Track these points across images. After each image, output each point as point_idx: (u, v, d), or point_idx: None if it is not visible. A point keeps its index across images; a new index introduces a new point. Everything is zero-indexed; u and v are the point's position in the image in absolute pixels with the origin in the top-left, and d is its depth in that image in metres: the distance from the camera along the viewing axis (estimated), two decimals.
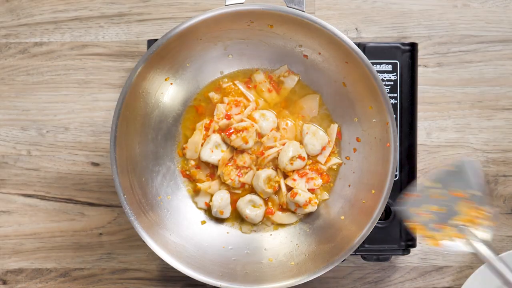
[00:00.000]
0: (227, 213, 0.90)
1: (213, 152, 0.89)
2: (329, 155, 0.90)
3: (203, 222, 0.91)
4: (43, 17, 0.99)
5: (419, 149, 0.95)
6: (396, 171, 0.89)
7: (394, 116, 0.82)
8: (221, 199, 0.89)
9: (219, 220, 0.91)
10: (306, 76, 0.90)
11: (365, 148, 0.87)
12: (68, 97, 0.99)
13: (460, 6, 0.98)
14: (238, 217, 0.91)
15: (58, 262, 0.98)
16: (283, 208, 0.90)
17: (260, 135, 0.89)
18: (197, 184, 0.91)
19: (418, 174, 0.95)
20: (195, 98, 0.91)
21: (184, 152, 0.91)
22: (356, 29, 0.98)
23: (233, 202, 0.91)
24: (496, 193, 0.97)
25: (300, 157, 0.88)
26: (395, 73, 0.90)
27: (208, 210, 0.92)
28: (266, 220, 0.91)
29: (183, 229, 0.89)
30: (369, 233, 0.82)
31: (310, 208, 0.88)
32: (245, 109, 0.90)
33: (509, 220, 0.97)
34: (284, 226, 0.91)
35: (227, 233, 0.91)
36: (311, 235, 0.89)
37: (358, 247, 0.82)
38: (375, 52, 0.89)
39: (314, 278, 0.82)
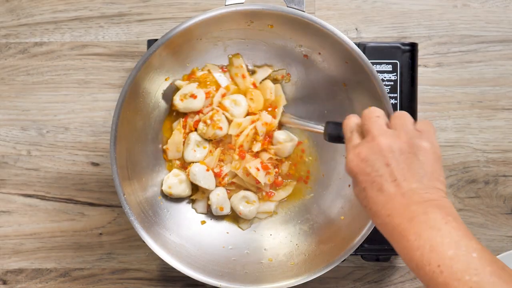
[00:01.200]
0: (227, 208, 0.90)
1: (196, 151, 0.89)
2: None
3: (203, 222, 0.91)
4: (43, 17, 0.99)
5: None
6: None
7: None
8: (218, 195, 0.89)
9: (220, 218, 0.91)
10: (306, 76, 0.90)
11: None
12: (68, 97, 0.99)
13: (460, 6, 0.98)
14: (235, 215, 0.91)
15: (58, 262, 0.98)
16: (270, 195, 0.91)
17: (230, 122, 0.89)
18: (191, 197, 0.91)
19: None
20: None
21: (166, 154, 0.90)
22: (356, 29, 0.98)
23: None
24: (496, 193, 0.97)
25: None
26: (395, 73, 0.90)
27: (209, 212, 0.91)
28: (264, 205, 0.91)
29: (183, 229, 0.89)
30: (369, 233, 0.82)
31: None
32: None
33: (509, 220, 0.97)
34: (283, 202, 0.91)
35: (227, 233, 0.91)
36: (311, 235, 0.89)
37: (358, 247, 0.82)
38: (375, 52, 0.89)
39: (314, 278, 0.82)
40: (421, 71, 0.97)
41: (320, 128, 0.81)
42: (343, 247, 0.83)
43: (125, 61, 0.99)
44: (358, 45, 0.86)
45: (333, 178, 0.91)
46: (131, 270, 0.98)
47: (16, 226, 0.99)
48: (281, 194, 0.92)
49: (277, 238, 0.91)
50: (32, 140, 0.99)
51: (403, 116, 0.70)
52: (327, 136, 0.78)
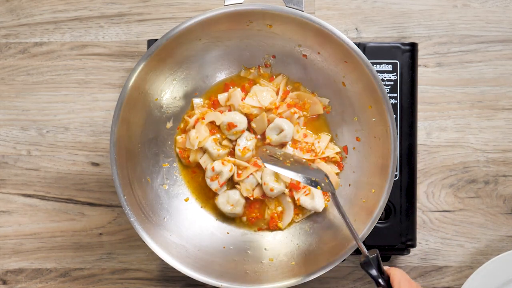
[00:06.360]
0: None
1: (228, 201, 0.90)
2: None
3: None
4: (43, 17, 0.99)
5: (419, 149, 0.95)
6: (396, 171, 0.89)
7: (394, 116, 0.82)
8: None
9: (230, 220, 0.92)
10: (306, 76, 0.90)
11: (365, 147, 0.87)
12: (68, 97, 0.99)
13: (460, 6, 0.98)
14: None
15: (58, 262, 0.98)
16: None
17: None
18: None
19: (418, 174, 0.95)
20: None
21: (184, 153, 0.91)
22: (356, 29, 0.98)
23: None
24: (496, 193, 0.97)
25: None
26: (395, 73, 0.90)
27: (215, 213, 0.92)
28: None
29: (183, 229, 0.89)
30: (369, 232, 0.82)
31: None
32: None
33: (509, 220, 0.97)
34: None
35: (227, 233, 0.91)
36: (311, 235, 0.89)
37: (358, 247, 0.82)
38: (375, 52, 0.89)
39: (314, 278, 0.82)
40: (421, 71, 0.97)
41: (364, 250, 0.80)
42: (343, 247, 0.83)
43: (125, 61, 0.99)
44: (358, 45, 0.86)
45: None
46: (131, 270, 0.98)
47: (16, 226, 0.99)
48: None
49: (278, 238, 0.91)
50: (32, 140, 0.99)
51: None
52: (365, 263, 0.78)
